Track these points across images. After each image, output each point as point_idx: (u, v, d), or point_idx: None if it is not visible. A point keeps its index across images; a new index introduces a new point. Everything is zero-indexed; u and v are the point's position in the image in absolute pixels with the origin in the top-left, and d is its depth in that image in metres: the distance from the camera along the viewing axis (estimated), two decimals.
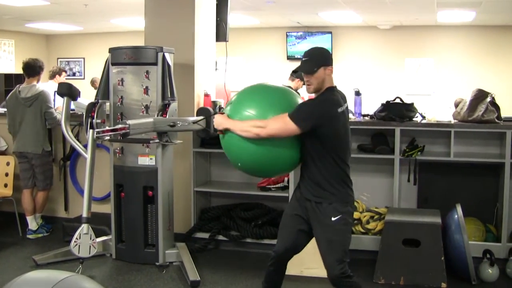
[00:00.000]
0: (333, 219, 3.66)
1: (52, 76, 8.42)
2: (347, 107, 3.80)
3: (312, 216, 3.74)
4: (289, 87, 7.74)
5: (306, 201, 3.77)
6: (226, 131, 3.73)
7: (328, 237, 3.67)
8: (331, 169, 3.68)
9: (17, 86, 6.22)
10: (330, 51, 11.86)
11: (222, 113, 3.81)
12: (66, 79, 8.86)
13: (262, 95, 3.83)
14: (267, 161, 3.72)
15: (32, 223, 6.22)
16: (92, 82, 11.06)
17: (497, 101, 5.47)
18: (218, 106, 6.21)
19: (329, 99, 3.68)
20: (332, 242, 3.67)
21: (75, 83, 5.87)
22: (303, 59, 3.72)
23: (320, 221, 3.69)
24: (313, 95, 3.82)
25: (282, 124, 3.56)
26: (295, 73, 7.86)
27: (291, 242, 3.82)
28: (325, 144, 3.64)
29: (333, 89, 3.74)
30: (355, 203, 5.70)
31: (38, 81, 6.24)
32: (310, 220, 3.76)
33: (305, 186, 3.78)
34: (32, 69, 6.18)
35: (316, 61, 3.68)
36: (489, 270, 5.00)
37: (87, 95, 7.10)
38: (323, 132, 3.60)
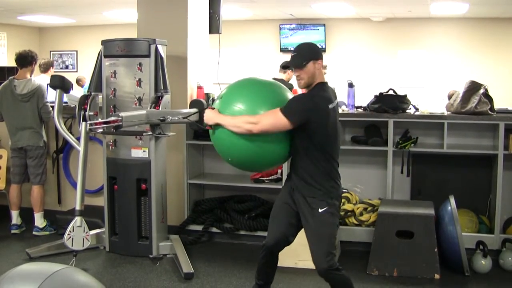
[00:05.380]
0: (320, 210, 3.69)
1: (45, 70, 8.35)
2: (337, 103, 3.83)
3: (301, 208, 3.77)
4: (281, 79, 7.78)
5: (296, 193, 3.80)
6: (216, 126, 3.75)
7: (315, 229, 3.70)
8: (318, 164, 3.71)
9: (10, 79, 6.09)
10: (324, 43, 12.00)
11: (213, 108, 3.82)
12: (59, 71, 8.79)
13: (252, 90, 3.84)
14: (258, 156, 3.75)
15: (18, 218, 6.17)
16: (77, 81, 11.02)
17: (490, 93, 5.48)
18: (211, 98, 6.20)
19: (320, 95, 3.70)
20: (319, 234, 3.70)
21: (68, 76, 5.84)
22: (292, 54, 3.76)
23: (309, 213, 3.72)
24: (303, 90, 3.84)
25: (274, 119, 3.57)
26: (285, 67, 7.88)
27: (281, 234, 3.84)
28: (313, 140, 3.66)
29: (324, 85, 3.76)
30: (348, 195, 5.72)
31: (31, 73, 6.17)
32: (299, 212, 3.79)
33: (295, 179, 3.81)
34: (24, 59, 6.08)
35: (305, 55, 3.71)
36: (482, 261, 5.02)
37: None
38: (312, 127, 3.62)
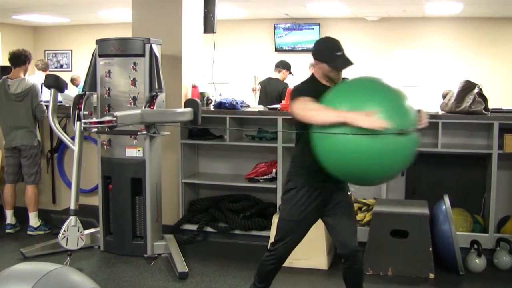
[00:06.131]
0: (349, 193, 3.84)
1: (44, 68, 8.34)
2: None
3: (332, 199, 3.72)
4: (276, 79, 7.78)
5: (326, 189, 3.69)
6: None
7: (348, 211, 3.79)
8: None
9: (4, 78, 6.07)
10: None
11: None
12: (54, 71, 8.78)
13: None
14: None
15: (12, 217, 6.14)
16: (72, 80, 11.01)
17: (485, 92, 5.49)
18: (205, 97, 6.21)
19: None
20: (351, 215, 3.83)
21: (63, 75, 5.83)
22: (339, 53, 3.63)
23: (341, 196, 3.75)
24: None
25: None
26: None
27: (296, 244, 3.85)
28: None
29: None
30: None
31: (25, 72, 6.15)
32: (324, 204, 3.72)
33: (326, 178, 3.57)
34: (17, 58, 6.05)
35: (344, 50, 3.69)
36: (477, 260, 5.03)
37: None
38: None
